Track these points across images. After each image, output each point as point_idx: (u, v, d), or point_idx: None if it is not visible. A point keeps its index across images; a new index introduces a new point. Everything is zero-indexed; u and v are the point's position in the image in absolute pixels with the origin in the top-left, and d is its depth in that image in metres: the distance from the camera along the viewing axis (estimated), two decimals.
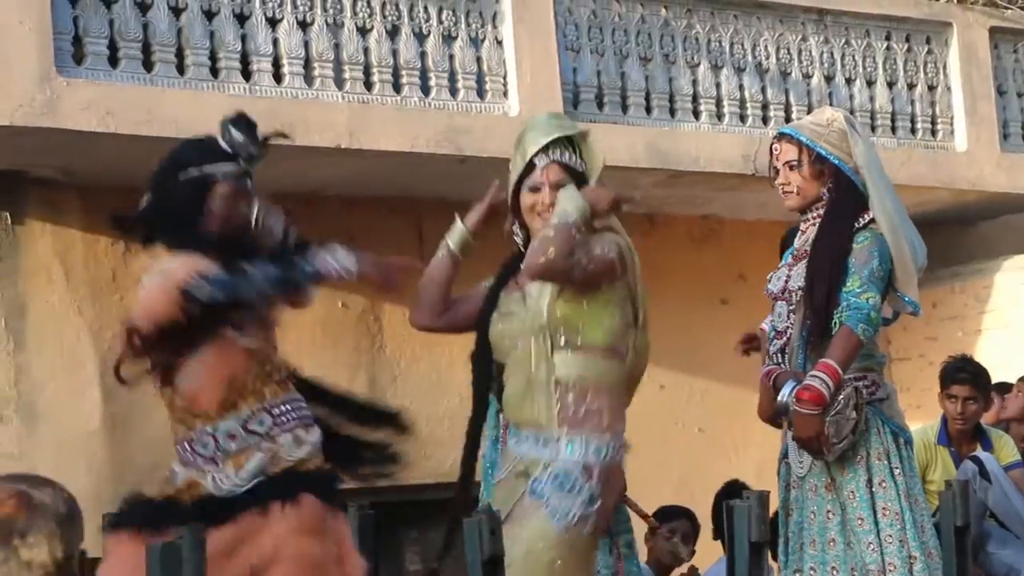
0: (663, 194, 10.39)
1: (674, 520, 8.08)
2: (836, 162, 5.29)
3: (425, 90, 9.29)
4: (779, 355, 5.33)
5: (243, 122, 4.58)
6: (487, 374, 4.76)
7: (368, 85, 9.11)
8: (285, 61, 8.83)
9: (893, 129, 11.14)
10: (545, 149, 4.71)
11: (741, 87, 10.51)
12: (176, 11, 8.55)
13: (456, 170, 9.03)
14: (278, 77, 8.82)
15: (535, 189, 4.71)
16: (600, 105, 9.96)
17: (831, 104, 10.27)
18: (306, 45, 8.91)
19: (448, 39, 9.40)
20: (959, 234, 12.02)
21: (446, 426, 8.58)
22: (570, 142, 4.77)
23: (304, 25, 8.92)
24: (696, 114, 10.33)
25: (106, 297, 8.95)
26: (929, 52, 11.35)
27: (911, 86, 11.26)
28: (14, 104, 7.95)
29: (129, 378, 4.52)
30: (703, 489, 8.64)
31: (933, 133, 11.31)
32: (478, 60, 9.48)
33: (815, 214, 5.33)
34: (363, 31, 9.14)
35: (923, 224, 5.80)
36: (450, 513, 4.76)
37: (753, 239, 10.69)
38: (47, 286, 8.90)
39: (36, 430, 8.72)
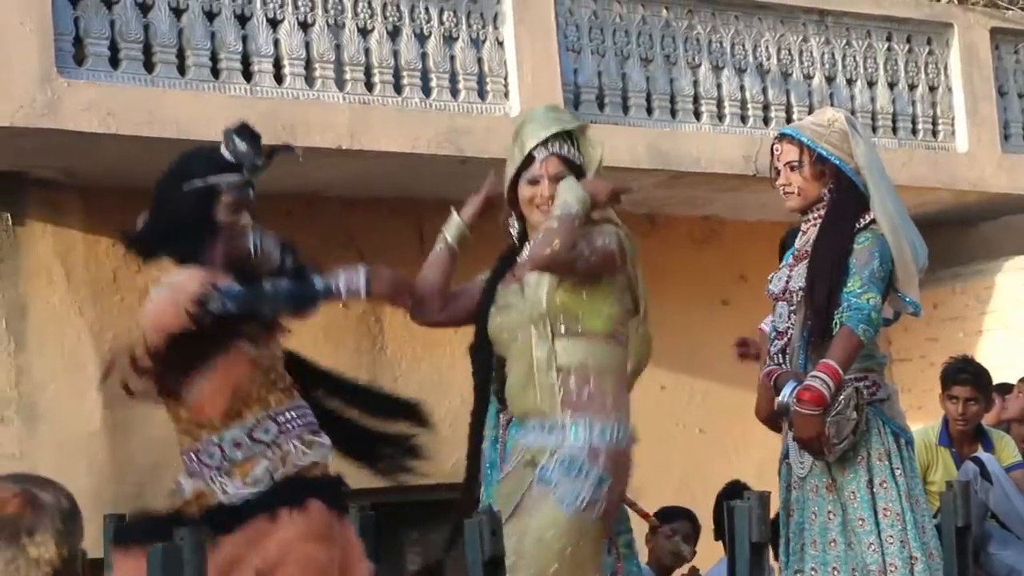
0: (664, 195, 10.39)
1: (675, 521, 8.08)
2: (837, 163, 5.29)
3: (426, 91, 9.29)
4: (780, 355, 5.33)
5: (246, 132, 4.58)
6: (487, 365, 4.75)
7: (369, 86, 9.11)
8: (286, 62, 8.83)
9: (894, 130, 11.14)
10: (544, 142, 4.70)
11: (742, 88, 10.51)
12: (177, 12, 8.55)
13: (457, 171, 9.03)
14: (279, 78, 8.82)
15: (534, 182, 4.70)
16: (601, 106, 9.96)
17: (832, 105, 10.28)
18: (307, 46, 8.91)
19: (449, 40, 9.40)
20: (960, 235, 12.02)
21: (447, 427, 8.52)
22: (568, 135, 4.76)
23: (305, 26, 8.93)
24: (697, 115, 10.34)
25: (107, 298, 8.95)
26: (930, 53, 11.35)
27: (912, 87, 11.26)
28: (15, 105, 7.95)
29: (138, 392, 4.51)
30: (704, 490, 8.65)
31: (934, 134, 11.31)
32: (479, 61, 9.48)
33: (816, 215, 5.33)
34: (364, 32, 9.14)
35: (924, 225, 5.80)
36: (456, 510, 4.75)
37: (754, 240, 10.69)
38: (48, 287, 8.90)
39: (37, 431, 8.72)
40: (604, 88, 9.97)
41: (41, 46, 8.02)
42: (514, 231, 4.81)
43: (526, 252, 4.72)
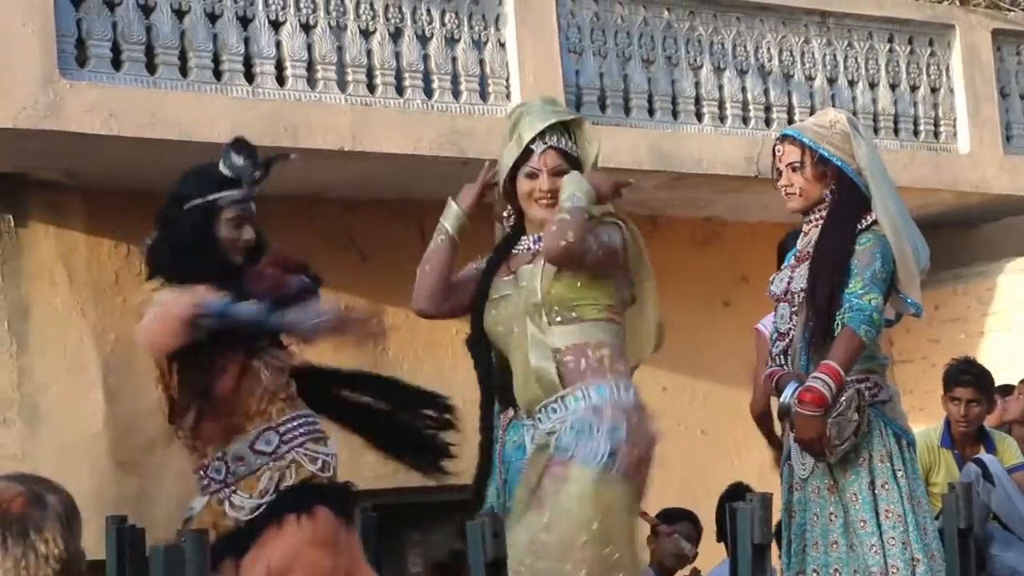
0: (666, 196, 10.39)
1: (677, 522, 8.09)
2: (839, 164, 5.29)
3: (428, 92, 9.29)
4: (781, 357, 5.33)
5: (243, 146, 4.62)
6: (487, 357, 4.73)
7: (371, 87, 9.11)
8: (288, 64, 8.83)
9: (896, 131, 11.14)
10: (542, 135, 4.67)
11: (744, 89, 10.51)
12: (179, 14, 8.55)
13: (459, 172, 8.95)
14: (281, 80, 8.82)
15: (532, 175, 4.67)
16: (603, 107, 9.96)
17: (834, 106, 10.27)
18: (309, 48, 8.91)
19: (451, 41, 9.40)
20: (962, 236, 12.02)
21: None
22: (565, 128, 4.73)
23: (307, 28, 8.93)
24: (699, 116, 10.33)
25: (109, 299, 8.95)
26: (932, 54, 11.35)
27: (914, 88, 11.26)
28: (17, 106, 7.95)
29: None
30: (705, 491, 8.64)
31: (936, 135, 11.31)
32: (481, 62, 9.48)
33: (818, 216, 5.33)
34: (366, 34, 9.14)
35: (926, 226, 5.80)
36: (468, 504, 4.71)
37: (755, 241, 10.68)
38: (50, 288, 8.90)
39: (39, 432, 8.72)
40: (606, 89, 9.97)
41: (43, 48, 8.02)
42: (508, 223, 4.78)
43: (523, 244, 4.71)
